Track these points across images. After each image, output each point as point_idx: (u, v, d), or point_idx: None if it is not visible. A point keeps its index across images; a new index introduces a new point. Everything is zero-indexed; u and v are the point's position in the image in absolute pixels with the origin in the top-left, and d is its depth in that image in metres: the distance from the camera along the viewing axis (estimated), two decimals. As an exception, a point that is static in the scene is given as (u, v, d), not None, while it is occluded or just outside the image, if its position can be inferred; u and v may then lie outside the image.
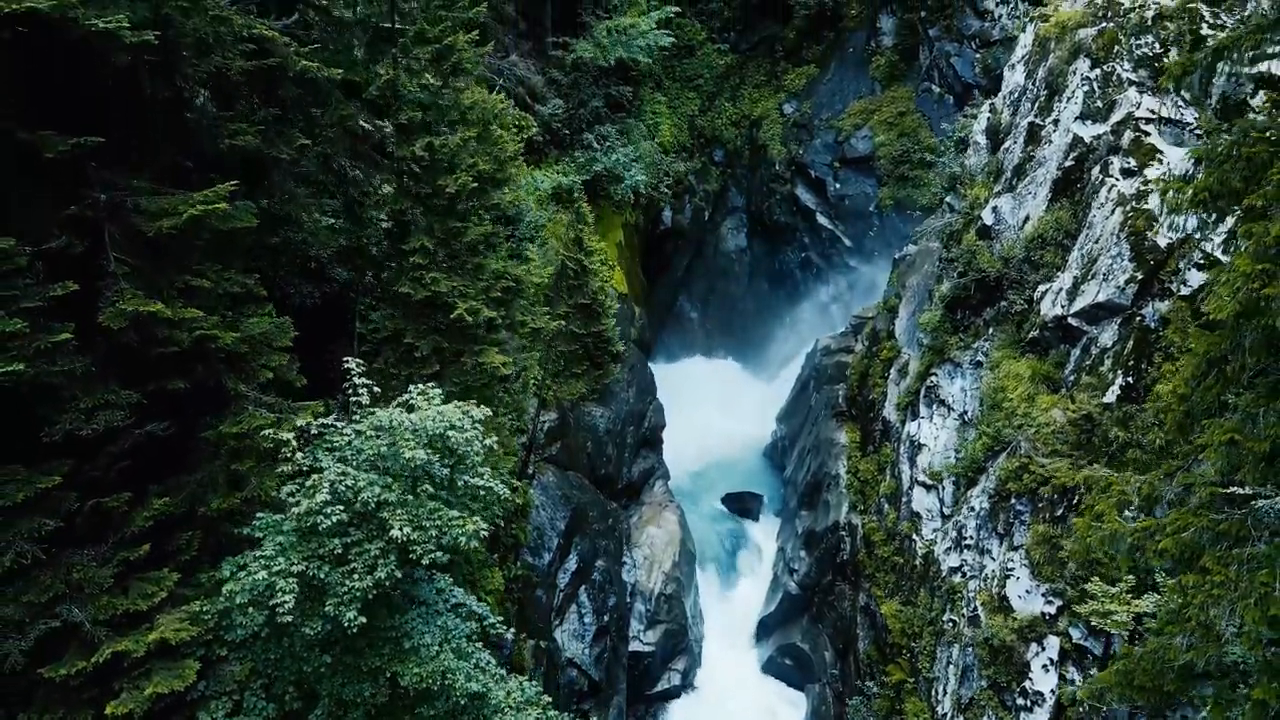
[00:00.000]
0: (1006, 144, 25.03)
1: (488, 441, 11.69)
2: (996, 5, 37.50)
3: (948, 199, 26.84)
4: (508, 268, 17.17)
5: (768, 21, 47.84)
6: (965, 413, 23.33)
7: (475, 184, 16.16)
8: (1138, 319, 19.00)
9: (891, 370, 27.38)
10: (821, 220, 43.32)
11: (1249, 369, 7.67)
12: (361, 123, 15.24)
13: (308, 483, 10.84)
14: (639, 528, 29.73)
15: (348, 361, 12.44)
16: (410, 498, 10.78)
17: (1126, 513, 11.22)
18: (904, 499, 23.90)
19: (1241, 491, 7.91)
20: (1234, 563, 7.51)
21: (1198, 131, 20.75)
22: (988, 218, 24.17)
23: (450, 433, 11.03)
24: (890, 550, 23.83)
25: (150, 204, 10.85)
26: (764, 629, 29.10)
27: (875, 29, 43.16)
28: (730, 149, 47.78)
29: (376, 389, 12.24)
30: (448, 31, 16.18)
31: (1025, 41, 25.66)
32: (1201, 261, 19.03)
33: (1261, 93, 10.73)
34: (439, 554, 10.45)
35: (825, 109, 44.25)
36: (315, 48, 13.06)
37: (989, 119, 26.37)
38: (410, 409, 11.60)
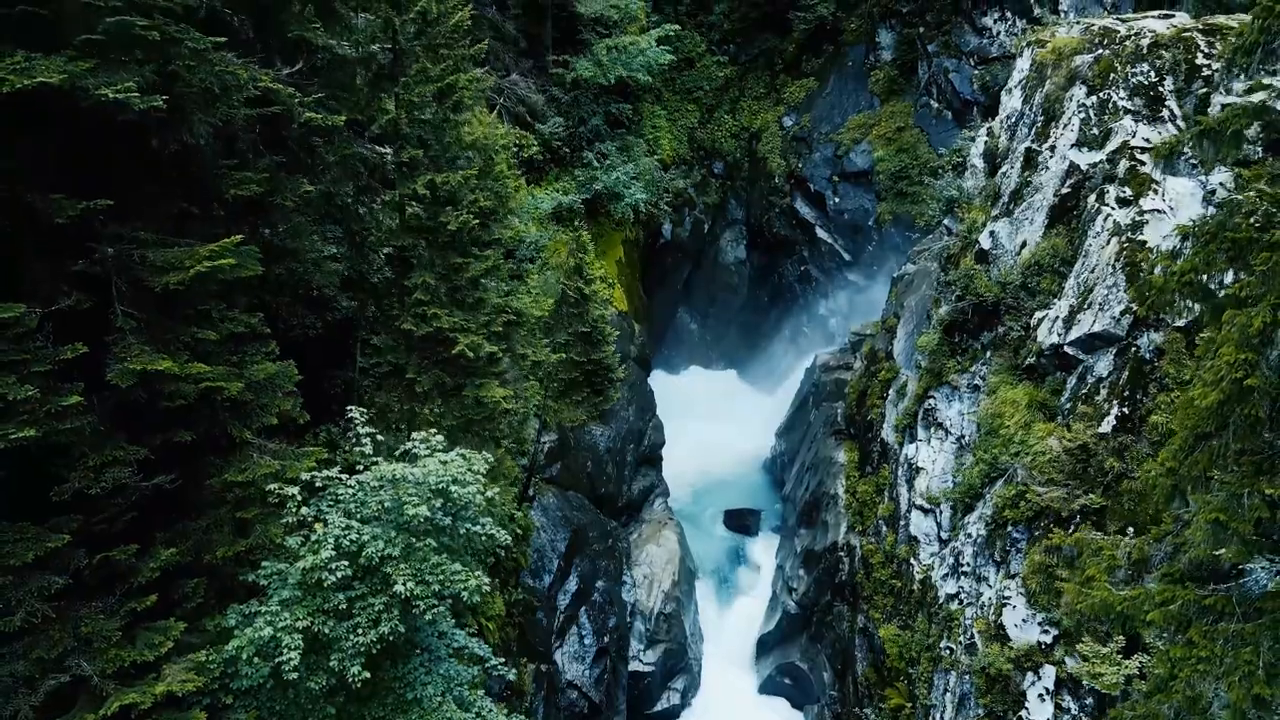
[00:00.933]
0: (1004, 168, 25.19)
1: (489, 493, 11.86)
2: (995, 22, 37.64)
3: (945, 221, 26.99)
4: (509, 301, 17.34)
5: (767, 34, 47.95)
6: (963, 437, 23.49)
7: (477, 221, 16.32)
8: (1133, 349, 19.18)
9: (890, 391, 27.55)
10: (821, 234, 43.49)
11: (1233, 450, 7.84)
12: (364, 156, 15.38)
13: (313, 537, 11.01)
14: (639, 546, 29.90)
15: (351, 410, 12.60)
16: (414, 552, 10.94)
17: (1118, 573, 11.39)
18: (902, 522, 24.06)
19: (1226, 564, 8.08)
20: (1219, 638, 7.67)
21: (1193, 161, 20.92)
22: (985, 242, 24.33)
23: (453, 488, 11.20)
24: (888, 573, 23.98)
25: (157, 257, 11.00)
26: (763, 647, 29.26)
27: (874, 43, 43.30)
28: (730, 161, 47.95)
29: (380, 436, 12.40)
30: (449, 70, 16.34)
31: (1022, 66, 25.81)
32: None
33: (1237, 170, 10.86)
34: (442, 607, 10.62)
35: (824, 122, 44.40)
36: (320, 96, 13.21)
37: (986, 142, 26.53)
38: (413, 459, 11.77)
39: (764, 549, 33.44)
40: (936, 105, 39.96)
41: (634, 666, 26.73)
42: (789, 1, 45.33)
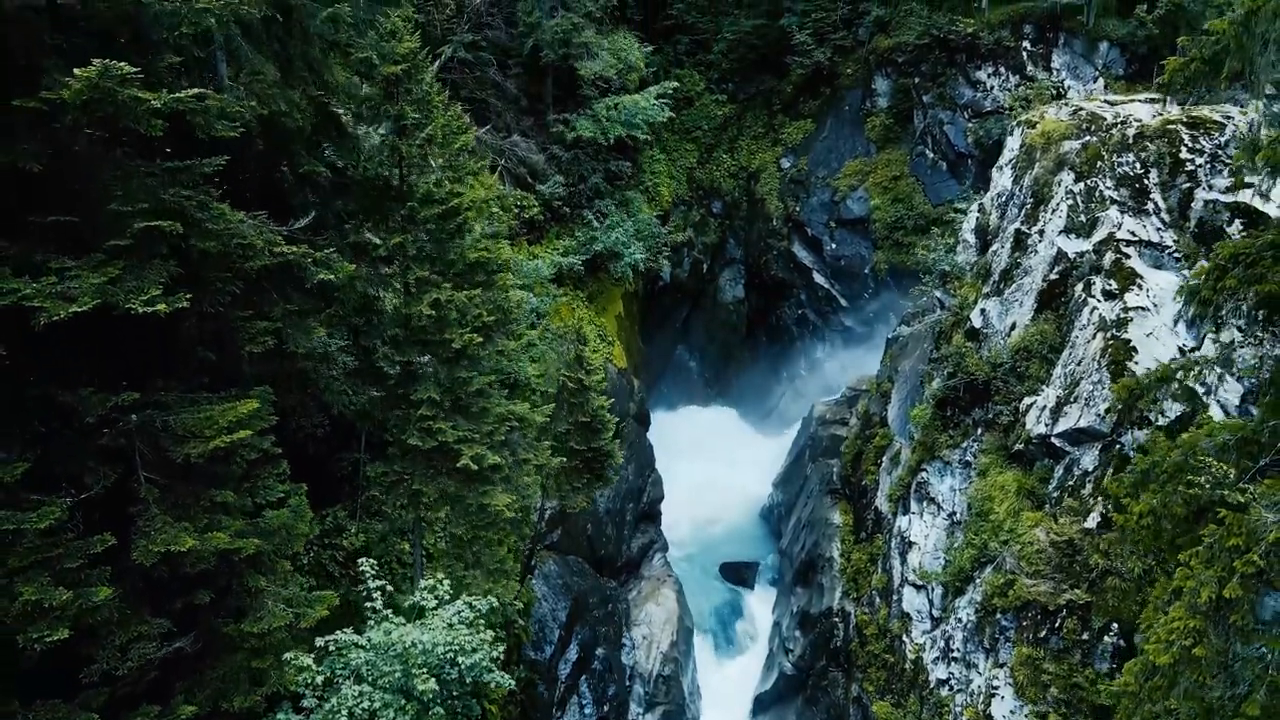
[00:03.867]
0: (994, 246, 25.76)
1: (487, 634, 12.41)
2: (989, 77, 38.20)
3: (938, 293, 27.55)
4: (512, 409, 17.88)
5: (765, 75, 48.45)
6: (954, 513, 24.05)
7: (481, 340, 16.88)
8: (1117, 447, 19.74)
9: (884, 458, 28.10)
10: (818, 279, 44.05)
11: (1184, 705, 8.39)
12: (375, 296, 15.96)
13: (327, 705, 11.58)
14: (638, 605, 30.45)
15: (361, 563, 13.17)
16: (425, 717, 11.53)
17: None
18: (895, 596, 24.62)
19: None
20: None
21: (1177, 255, 21.50)
22: (976, 320, 24.90)
23: (460, 658, 11.75)
24: (881, 646, 24.54)
25: (177, 424, 11.56)
26: (760, 705, 29.83)
27: (870, 89, 43.83)
28: (728, 201, 48.45)
29: (389, 587, 12.97)
30: (453, 194, 16.90)
31: (1012, 145, 26.37)
32: (1178, 392, 19.80)
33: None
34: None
35: (822, 166, 44.92)
36: (330, 251, 13.78)
37: (978, 218, 27.09)
38: (420, 612, 12.34)
39: (761, 602, 34.00)
40: (932, 155, 40.52)
41: (634, 730, 27.30)
42: (785, 46, 45.86)
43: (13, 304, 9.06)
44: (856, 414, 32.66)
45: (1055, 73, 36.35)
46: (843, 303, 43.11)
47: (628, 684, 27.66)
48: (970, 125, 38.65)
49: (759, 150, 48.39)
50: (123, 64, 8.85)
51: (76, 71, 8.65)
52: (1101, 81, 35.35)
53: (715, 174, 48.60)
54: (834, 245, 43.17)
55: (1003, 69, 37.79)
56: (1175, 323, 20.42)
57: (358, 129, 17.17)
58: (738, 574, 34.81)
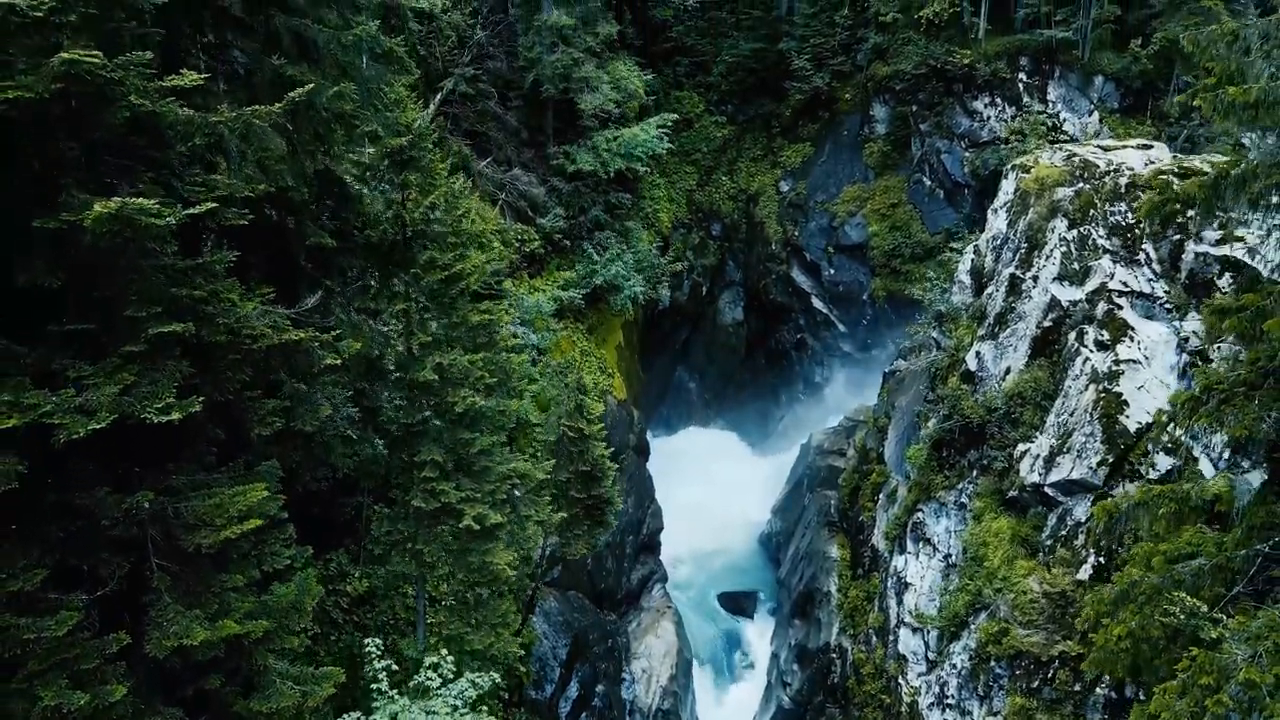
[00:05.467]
0: (990, 289, 26.08)
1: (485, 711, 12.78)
2: (985, 107, 38.55)
3: (933, 334, 27.88)
4: (514, 467, 18.21)
5: (764, 98, 48.79)
6: (950, 555, 24.38)
7: (483, 403, 17.20)
8: (1109, 500, 20.04)
9: (880, 495, 28.43)
10: (817, 304, 44.43)
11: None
12: (381, 370, 16.30)
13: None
14: (637, 637, 30.78)
15: (367, 643, 13.51)
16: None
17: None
18: (891, 637, 24.95)
19: None
20: None
21: (1168, 306, 21.81)
22: (971, 363, 25.23)
23: (463, 744, 12.13)
24: (878, 686, 24.88)
25: (189, 511, 11.86)
26: (758, 738, 30.19)
27: (869, 115, 44.22)
28: (728, 223, 48.81)
29: (395, 666, 13.30)
30: (458, 259, 17.23)
31: (1007, 189, 26.69)
32: (1169, 446, 20.17)
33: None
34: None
35: (820, 190, 45.27)
36: (337, 334, 14.10)
37: (973, 260, 27.41)
38: (424, 692, 12.68)
39: (759, 632, 34.34)
40: (929, 184, 40.87)
41: (633, 765, 27.64)
42: (784, 70, 46.19)
43: (34, 421, 9.38)
44: (854, 446, 33.00)
45: (1051, 105, 36.71)
46: (841, 328, 43.46)
47: (627, 719, 27.99)
48: (967, 155, 38.99)
49: (758, 173, 48.75)
50: (142, 200, 9.17)
51: (97, 207, 8.97)
52: (1097, 115, 35.71)
53: (715, 196, 48.94)
54: (832, 271, 43.54)
55: (999, 100, 38.15)
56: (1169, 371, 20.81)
57: (362, 194, 17.51)
58: (737, 604, 35.16)
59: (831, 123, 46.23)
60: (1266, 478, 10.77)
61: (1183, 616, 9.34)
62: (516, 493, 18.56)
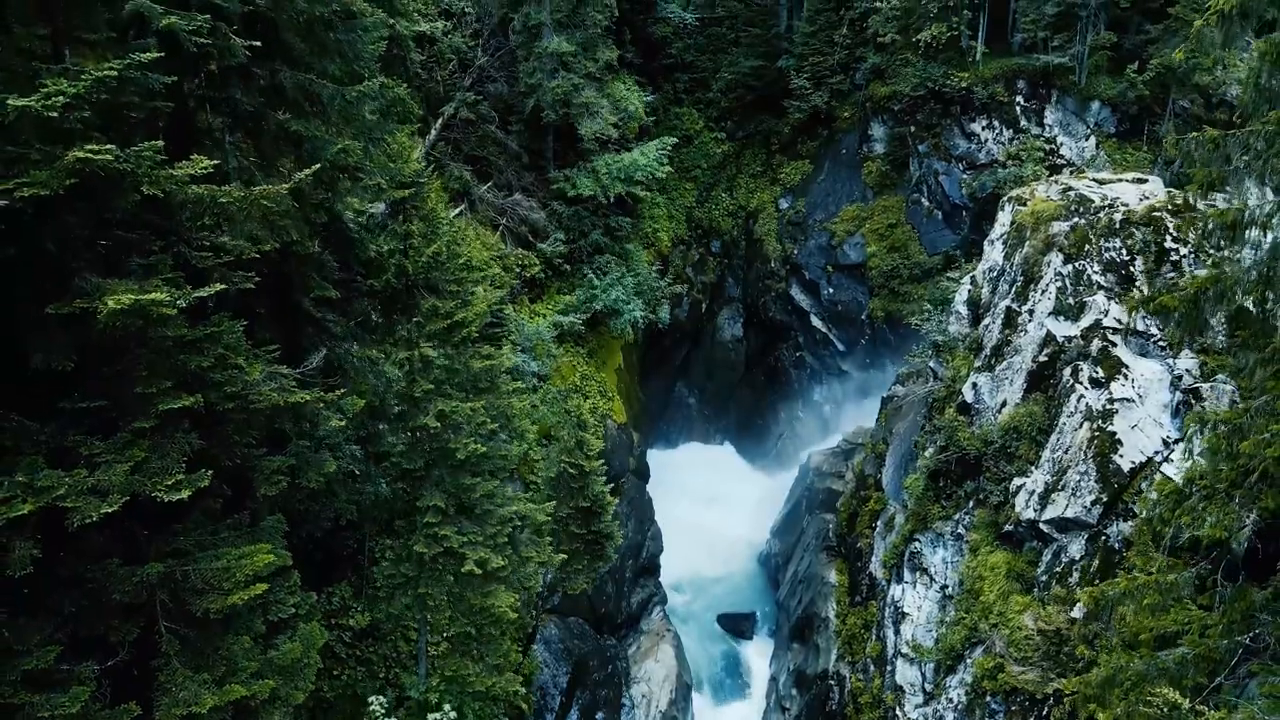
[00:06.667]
0: (986, 321, 26.32)
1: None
2: (983, 129, 38.77)
3: (931, 364, 28.12)
4: (516, 509, 18.45)
5: (763, 115, 48.96)
6: (946, 586, 24.61)
7: (484, 449, 17.44)
8: (1103, 538, 20.31)
9: (878, 523, 28.68)
10: (815, 322, 44.65)
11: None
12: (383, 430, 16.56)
13: None
14: (637, 661, 31.01)
15: (372, 702, 13.75)
16: None
17: None
18: (889, 667, 25.19)
19: None
20: None
21: (1162, 344, 22.04)
22: (968, 394, 25.46)
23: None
24: (876, 716, 25.11)
25: (196, 575, 12.11)
26: (757, 761, 30.42)
27: (867, 134, 44.44)
28: (727, 240, 49.02)
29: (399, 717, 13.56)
30: (460, 306, 17.47)
31: (1003, 221, 26.94)
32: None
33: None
34: None
35: (819, 209, 45.48)
36: (344, 392, 14.35)
37: (970, 291, 27.65)
38: (428, 749, 12.93)
39: (758, 653, 34.57)
40: (928, 204, 41.08)
41: (632, 791, 27.87)
42: (783, 87, 46.40)
43: (48, 504, 9.63)
44: (852, 470, 33.25)
45: (1048, 129, 36.95)
46: (840, 347, 43.68)
47: (627, 745, 28.24)
48: (964, 177, 39.22)
49: (757, 189, 48.95)
50: (155, 294, 9.42)
51: (110, 302, 9.21)
52: (1093, 139, 35.96)
53: (714, 213, 49.17)
54: (831, 290, 43.76)
55: (996, 122, 38.38)
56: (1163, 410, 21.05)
57: (365, 240, 17.77)
58: (736, 625, 35.39)
59: (830, 141, 46.44)
60: (1245, 574, 11.01)
61: (1165, 709, 9.58)
62: (520, 534, 18.80)
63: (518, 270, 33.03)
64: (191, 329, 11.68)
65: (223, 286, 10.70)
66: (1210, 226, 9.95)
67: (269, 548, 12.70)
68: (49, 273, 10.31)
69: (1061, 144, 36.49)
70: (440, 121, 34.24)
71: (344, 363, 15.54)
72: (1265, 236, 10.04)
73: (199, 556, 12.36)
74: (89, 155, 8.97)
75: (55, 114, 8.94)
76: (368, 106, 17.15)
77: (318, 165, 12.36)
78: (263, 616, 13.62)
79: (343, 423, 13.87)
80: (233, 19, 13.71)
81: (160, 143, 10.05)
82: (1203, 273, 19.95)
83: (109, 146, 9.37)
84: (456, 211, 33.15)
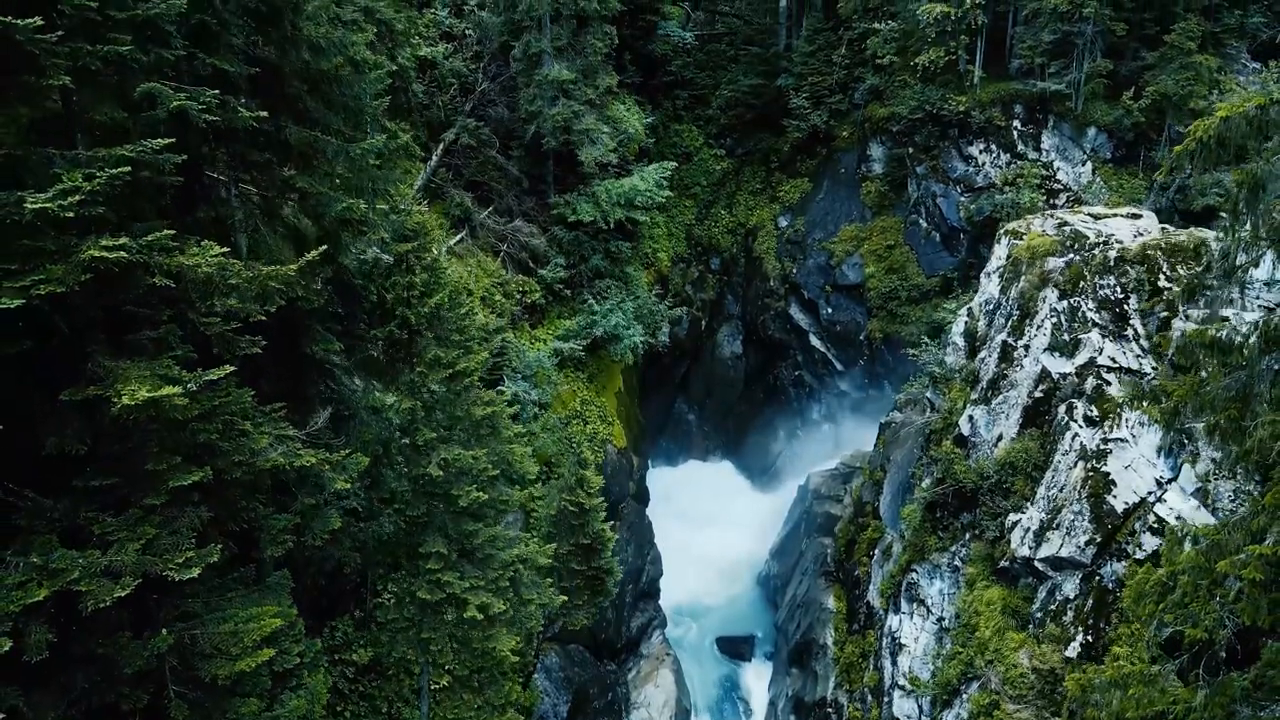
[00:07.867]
0: (982, 354, 26.57)
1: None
2: (980, 153, 39.01)
3: (928, 395, 28.37)
4: (517, 553, 18.69)
5: (763, 133, 49.17)
6: (943, 619, 24.86)
7: (485, 496, 17.69)
8: (1097, 578, 20.56)
9: (876, 550, 28.92)
10: (814, 341, 44.89)
11: None
12: (388, 474, 16.80)
13: None
14: (636, 686, 31.26)
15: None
16: None
17: None
18: (886, 698, 25.43)
19: None
20: None
21: (1155, 382, 22.29)
22: (964, 427, 25.71)
23: None
24: (873, 747, 25.38)
25: (205, 638, 12.38)
26: (756, 786, 30.68)
27: (865, 154, 44.67)
28: (726, 257, 49.23)
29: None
30: (460, 357, 17.72)
31: (1000, 254, 27.19)
32: (1155, 526, 20.65)
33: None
34: None
35: (818, 228, 45.71)
36: (346, 453, 14.60)
37: (966, 323, 27.91)
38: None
39: (757, 676, 34.82)
40: (925, 226, 41.33)
41: (632, 818, 28.13)
42: (782, 108, 46.63)
43: (62, 589, 9.88)
44: (850, 494, 33.50)
45: (1045, 153, 37.19)
46: (838, 367, 43.93)
47: (627, 772, 28.49)
48: (962, 200, 39.46)
49: (757, 207, 49.14)
50: (168, 388, 9.67)
51: (125, 399, 9.46)
52: (1090, 165, 36.20)
53: (713, 230, 49.39)
54: (830, 310, 44.01)
55: (994, 146, 38.62)
56: (1156, 453, 21.28)
57: (369, 289, 18.01)
58: (735, 648, 35.64)
59: (829, 159, 46.65)
60: (1227, 666, 11.25)
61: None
62: (521, 576, 19.04)
63: (518, 296, 33.27)
64: (200, 399, 11.93)
65: (233, 369, 10.94)
66: (1191, 346, 10.24)
67: (275, 610, 12.95)
68: (61, 356, 10.55)
69: (1058, 169, 36.73)
70: (441, 147, 34.48)
71: (349, 409, 15.75)
72: (1243, 355, 10.32)
73: (207, 618, 12.61)
74: (104, 254, 9.22)
75: (71, 214, 9.18)
76: (371, 160, 17.43)
77: (324, 248, 12.58)
78: (268, 670, 13.88)
79: (349, 484, 14.10)
80: (239, 83, 13.98)
81: (170, 231, 10.29)
82: (1191, 327, 20.29)
83: (123, 241, 9.61)
84: (458, 238, 33.46)
